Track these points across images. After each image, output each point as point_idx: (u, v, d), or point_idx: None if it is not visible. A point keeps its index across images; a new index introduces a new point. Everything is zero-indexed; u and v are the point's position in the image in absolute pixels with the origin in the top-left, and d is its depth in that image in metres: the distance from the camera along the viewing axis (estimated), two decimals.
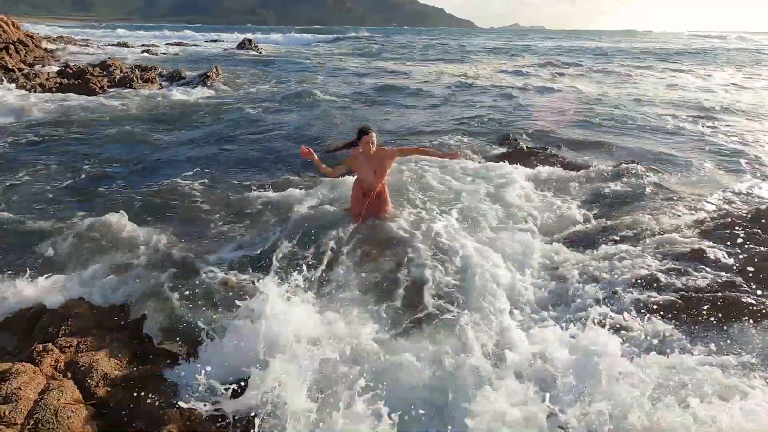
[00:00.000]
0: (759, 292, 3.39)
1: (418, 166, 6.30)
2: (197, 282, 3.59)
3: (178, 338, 3.03)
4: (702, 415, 2.24)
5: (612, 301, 3.43)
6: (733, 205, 5.36)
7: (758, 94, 14.61)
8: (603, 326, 2.76)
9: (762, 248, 3.90)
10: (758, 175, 6.55)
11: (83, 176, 6.20)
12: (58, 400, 2.39)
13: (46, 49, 23.41)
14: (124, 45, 32.45)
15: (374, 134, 4.37)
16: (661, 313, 3.30)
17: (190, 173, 6.23)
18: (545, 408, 2.29)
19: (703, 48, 42.97)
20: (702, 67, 24.51)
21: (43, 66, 17.60)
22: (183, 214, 5.01)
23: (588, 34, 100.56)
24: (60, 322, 3.06)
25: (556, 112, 11.54)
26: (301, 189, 5.57)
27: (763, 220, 4.25)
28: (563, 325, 3.08)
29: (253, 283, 3.48)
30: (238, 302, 2.97)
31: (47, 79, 14.08)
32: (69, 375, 2.65)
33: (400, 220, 4.51)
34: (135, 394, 2.53)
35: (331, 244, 4.07)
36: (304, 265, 3.52)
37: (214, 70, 15.26)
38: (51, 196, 5.49)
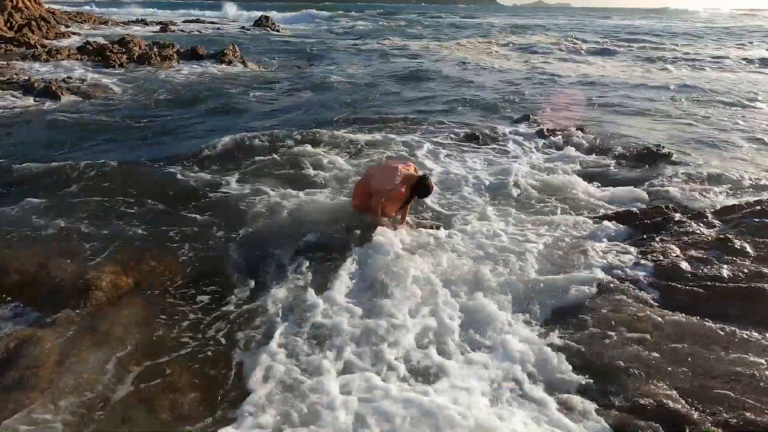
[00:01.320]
0: None
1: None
2: None
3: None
4: None
5: (634, 289, 3.36)
6: (762, 192, 5.15)
7: None
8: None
9: None
10: None
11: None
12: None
13: (66, 26, 23.61)
14: (143, 22, 32.45)
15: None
16: (683, 303, 3.22)
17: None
18: None
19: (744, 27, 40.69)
20: (736, 48, 23.27)
21: (64, 42, 17.76)
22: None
23: (617, 12, 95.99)
24: (81, 293, 3.14)
25: (577, 93, 11.17)
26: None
27: None
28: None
29: None
30: None
31: (68, 56, 14.22)
32: (88, 344, 2.73)
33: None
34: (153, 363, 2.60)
35: None
36: None
37: (231, 48, 15.18)
38: None
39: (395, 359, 2.68)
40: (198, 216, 4.37)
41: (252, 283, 3.43)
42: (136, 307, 3.09)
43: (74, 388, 2.38)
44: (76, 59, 13.82)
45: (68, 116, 7.93)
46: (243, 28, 31.60)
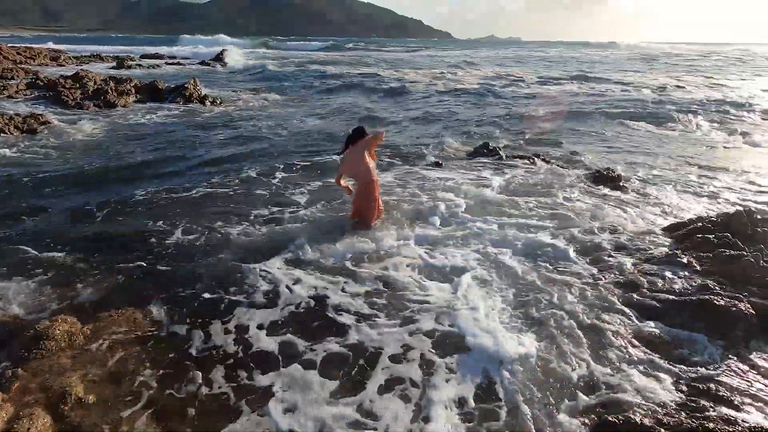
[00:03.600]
0: (731, 294, 3.50)
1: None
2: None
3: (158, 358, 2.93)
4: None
5: (591, 304, 3.51)
6: (705, 210, 5.57)
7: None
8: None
9: (732, 251, 4.04)
10: (729, 181, 6.81)
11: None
12: (28, 429, 2.28)
13: (14, 61, 22.74)
14: (98, 57, 31.78)
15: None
16: (639, 314, 3.39)
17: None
18: None
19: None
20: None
21: (12, 78, 17.06)
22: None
23: (563, 45, 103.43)
24: (31, 344, 2.92)
25: (531, 120, 11.81)
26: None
27: (732, 225, 4.41)
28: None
29: None
30: None
31: (16, 92, 13.66)
32: (40, 400, 2.52)
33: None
34: (111, 418, 2.43)
35: None
36: None
37: (191, 82, 15.03)
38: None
39: None
40: (156, 265, 4.21)
41: (216, 328, 3.31)
42: (93, 360, 2.90)
43: None
44: (25, 96, 13.29)
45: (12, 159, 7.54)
46: (203, 62, 31.47)
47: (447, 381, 2.78)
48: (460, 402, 2.64)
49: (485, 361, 2.93)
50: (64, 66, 25.17)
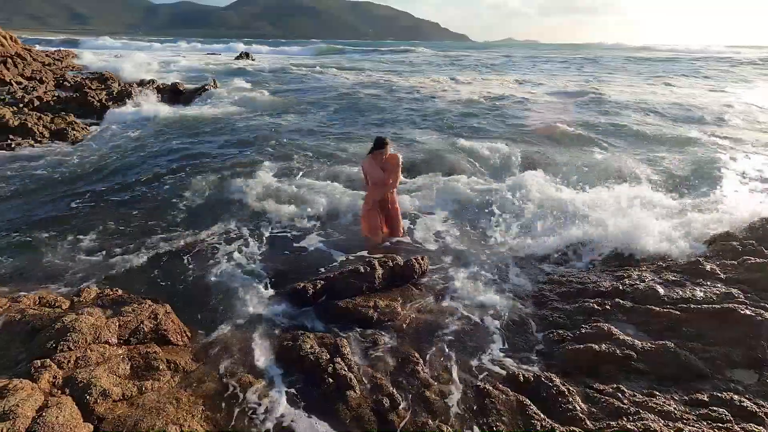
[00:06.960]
0: (756, 303, 3.41)
1: None
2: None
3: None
4: None
5: (612, 314, 3.46)
6: (730, 217, 5.42)
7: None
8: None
9: (758, 259, 3.93)
10: (754, 188, 6.62)
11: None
12: (57, 417, 2.36)
13: (43, 63, 23.51)
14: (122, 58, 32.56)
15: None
16: (661, 324, 3.33)
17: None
18: None
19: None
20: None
21: (41, 80, 17.64)
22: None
23: (580, 48, 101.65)
24: (59, 336, 3.02)
25: (543, 123, 11.66)
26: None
27: (759, 232, 4.30)
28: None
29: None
30: None
31: (45, 93, 14.11)
32: (68, 391, 2.61)
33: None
34: (135, 411, 2.50)
35: None
36: None
37: (212, 83, 15.35)
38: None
39: None
40: (182, 265, 4.32)
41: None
42: (118, 353, 2.99)
43: None
44: (53, 96, 13.71)
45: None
46: (223, 64, 31.90)
47: None
48: None
49: None
50: (90, 67, 25.90)
